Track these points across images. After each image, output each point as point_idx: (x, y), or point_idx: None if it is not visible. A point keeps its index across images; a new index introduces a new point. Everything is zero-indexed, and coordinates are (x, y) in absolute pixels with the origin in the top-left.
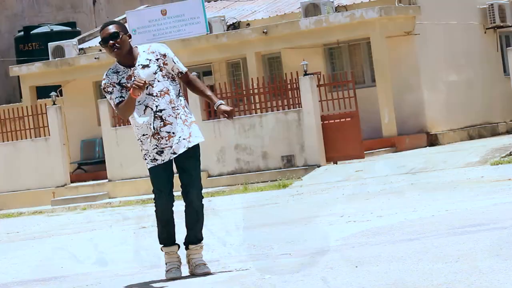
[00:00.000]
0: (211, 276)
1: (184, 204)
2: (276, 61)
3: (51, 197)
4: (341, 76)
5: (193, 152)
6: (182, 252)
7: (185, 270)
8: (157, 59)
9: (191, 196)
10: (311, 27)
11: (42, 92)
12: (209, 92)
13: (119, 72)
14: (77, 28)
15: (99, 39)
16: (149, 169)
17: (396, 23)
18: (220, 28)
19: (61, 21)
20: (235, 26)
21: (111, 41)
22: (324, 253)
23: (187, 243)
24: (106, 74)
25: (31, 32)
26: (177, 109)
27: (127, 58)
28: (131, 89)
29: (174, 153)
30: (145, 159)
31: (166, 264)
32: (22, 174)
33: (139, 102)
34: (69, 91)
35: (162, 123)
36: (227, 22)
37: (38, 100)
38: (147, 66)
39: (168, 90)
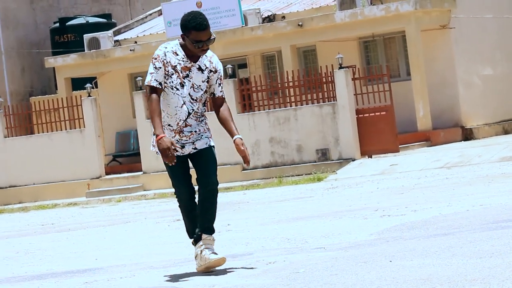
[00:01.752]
0: (245, 269)
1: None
2: (311, 54)
3: (85, 189)
4: (376, 69)
5: (212, 152)
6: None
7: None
8: (211, 71)
9: (208, 178)
10: (346, 20)
11: (77, 83)
12: (232, 125)
13: (178, 55)
14: (113, 20)
15: (136, 31)
16: (166, 163)
17: (432, 16)
18: (255, 21)
19: (97, 13)
20: (270, 18)
21: (206, 45)
22: (358, 247)
23: (198, 234)
24: (165, 49)
25: (66, 24)
26: (202, 115)
27: (195, 55)
28: (163, 147)
29: (196, 148)
30: None
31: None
32: (57, 165)
33: (181, 94)
34: (104, 83)
35: (184, 123)
36: (262, 15)
37: (73, 91)
38: (202, 71)
39: (202, 99)
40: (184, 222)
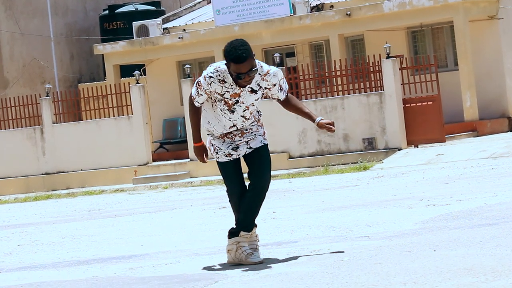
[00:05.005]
0: (289, 256)
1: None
2: (359, 44)
3: (132, 175)
4: (423, 59)
5: (266, 150)
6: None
7: (262, 250)
8: (265, 88)
9: (260, 176)
10: (394, 9)
11: (126, 71)
12: (307, 110)
13: (226, 83)
14: (162, 8)
15: (185, 18)
16: (219, 162)
17: (480, 7)
18: (304, 10)
19: (146, 0)
20: (318, 8)
21: (248, 76)
22: (403, 236)
23: (237, 230)
24: (211, 79)
25: (115, 11)
26: (256, 117)
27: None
28: (196, 154)
29: (251, 147)
30: (217, 153)
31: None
32: (104, 152)
33: (230, 118)
34: (152, 70)
35: (235, 128)
36: (310, 4)
37: (122, 78)
38: (256, 91)
39: (255, 111)
40: (234, 214)
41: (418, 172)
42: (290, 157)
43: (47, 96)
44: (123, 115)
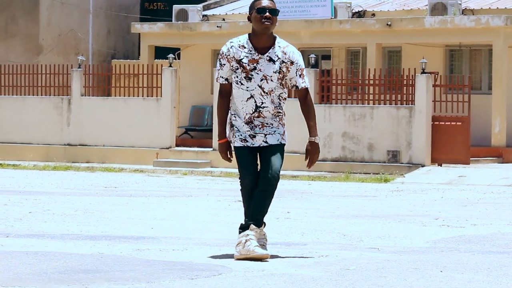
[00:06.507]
0: (296, 258)
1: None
2: (396, 55)
3: (154, 157)
4: (458, 79)
5: (281, 150)
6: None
7: (270, 249)
8: (283, 62)
9: (270, 171)
10: (435, 26)
11: (160, 52)
12: (312, 122)
13: (245, 48)
14: None
15: (226, 8)
16: (236, 147)
17: None
18: (345, 14)
19: None
20: (360, 14)
21: (268, 13)
22: (412, 253)
23: (247, 224)
24: (231, 44)
25: None
26: (279, 110)
27: (262, 41)
28: (220, 151)
29: (266, 142)
30: (234, 136)
31: None
32: (128, 130)
33: (247, 88)
34: (187, 56)
35: (257, 114)
36: (352, 9)
37: (155, 60)
38: (274, 61)
39: (274, 90)
40: (244, 206)
41: (438, 191)
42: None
43: (79, 67)
44: (152, 97)
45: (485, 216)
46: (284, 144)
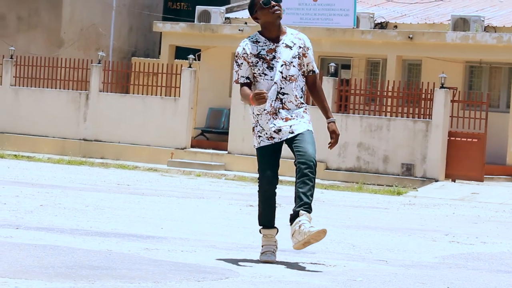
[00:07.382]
0: (304, 266)
1: (295, 172)
2: (416, 68)
3: (168, 157)
4: (476, 96)
5: (311, 135)
6: (280, 237)
7: (279, 256)
8: (300, 47)
9: (306, 155)
10: (456, 41)
11: (181, 52)
12: (327, 105)
13: (259, 42)
14: None
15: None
16: (259, 147)
17: None
18: (367, 25)
19: None
20: (382, 25)
21: (273, 2)
22: (420, 267)
23: (296, 212)
24: (245, 43)
25: None
26: (302, 101)
27: (274, 31)
28: (253, 100)
29: (293, 132)
30: (259, 136)
31: (262, 246)
32: (144, 129)
33: (271, 78)
34: (207, 57)
35: (281, 105)
36: (375, 20)
37: (175, 60)
38: (290, 47)
39: (297, 79)
40: (258, 208)
41: (450, 207)
42: (327, 168)
43: (99, 63)
44: (170, 96)
45: (495, 235)
46: (312, 131)
